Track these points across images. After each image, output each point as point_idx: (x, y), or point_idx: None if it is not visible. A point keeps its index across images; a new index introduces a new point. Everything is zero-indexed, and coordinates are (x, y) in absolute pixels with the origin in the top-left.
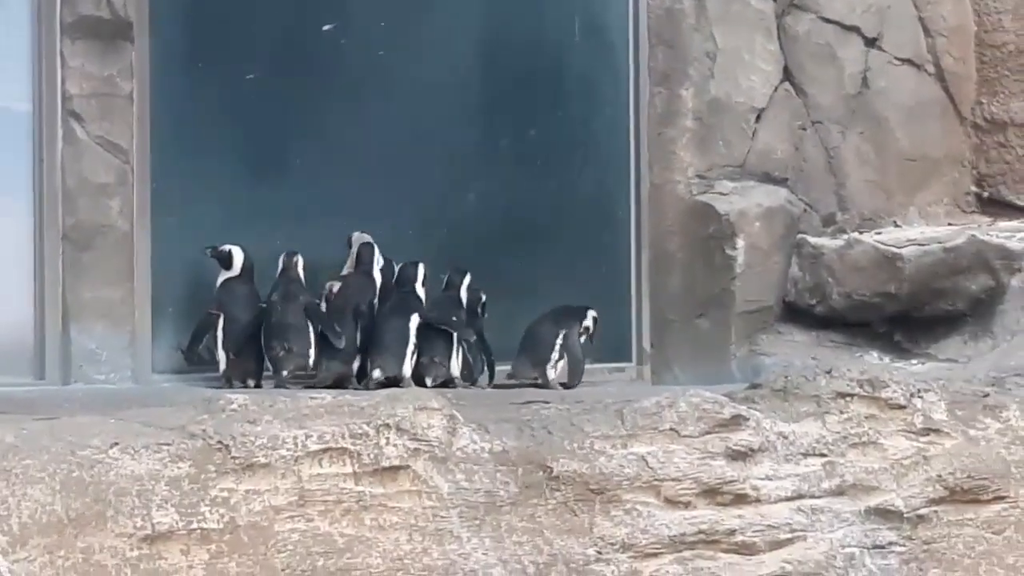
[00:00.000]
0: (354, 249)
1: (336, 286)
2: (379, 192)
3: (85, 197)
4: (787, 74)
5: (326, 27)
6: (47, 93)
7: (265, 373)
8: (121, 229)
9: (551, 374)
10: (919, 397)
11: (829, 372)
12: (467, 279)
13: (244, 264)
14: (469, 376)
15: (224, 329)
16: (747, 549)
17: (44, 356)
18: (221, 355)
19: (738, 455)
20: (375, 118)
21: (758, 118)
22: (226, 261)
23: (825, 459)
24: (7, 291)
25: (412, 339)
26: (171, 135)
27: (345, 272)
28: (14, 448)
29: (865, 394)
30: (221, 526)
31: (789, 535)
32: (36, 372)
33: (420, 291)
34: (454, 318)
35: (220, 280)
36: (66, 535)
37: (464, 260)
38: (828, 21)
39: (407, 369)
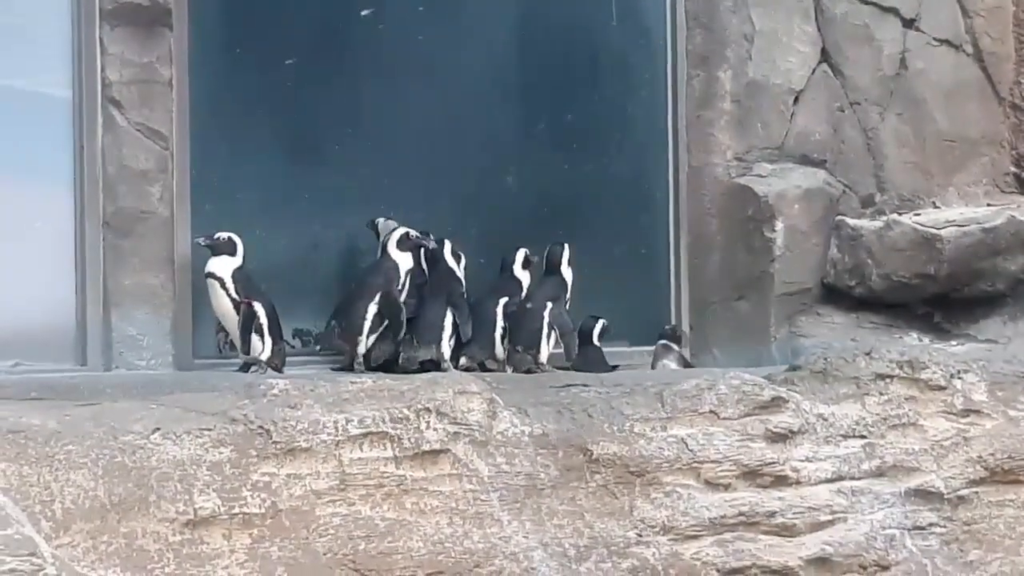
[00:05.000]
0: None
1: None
2: (417, 177)
3: (125, 184)
4: (825, 55)
5: (364, 12)
6: (87, 80)
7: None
8: (161, 215)
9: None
10: (959, 378)
11: (869, 354)
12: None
13: (244, 251)
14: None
15: (267, 317)
16: (787, 531)
17: (86, 342)
18: (267, 342)
19: (778, 437)
20: (413, 103)
21: (796, 100)
22: (229, 248)
23: (865, 440)
24: (49, 278)
25: (500, 322)
26: (210, 121)
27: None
28: (57, 434)
29: (905, 375)
30: (263, 510)
31: (829, 517)
32: (78, 358)
33: (520, 275)
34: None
35: (227, 269)
36: (109, 520)
37: (502, 244)
38: (865, 2)
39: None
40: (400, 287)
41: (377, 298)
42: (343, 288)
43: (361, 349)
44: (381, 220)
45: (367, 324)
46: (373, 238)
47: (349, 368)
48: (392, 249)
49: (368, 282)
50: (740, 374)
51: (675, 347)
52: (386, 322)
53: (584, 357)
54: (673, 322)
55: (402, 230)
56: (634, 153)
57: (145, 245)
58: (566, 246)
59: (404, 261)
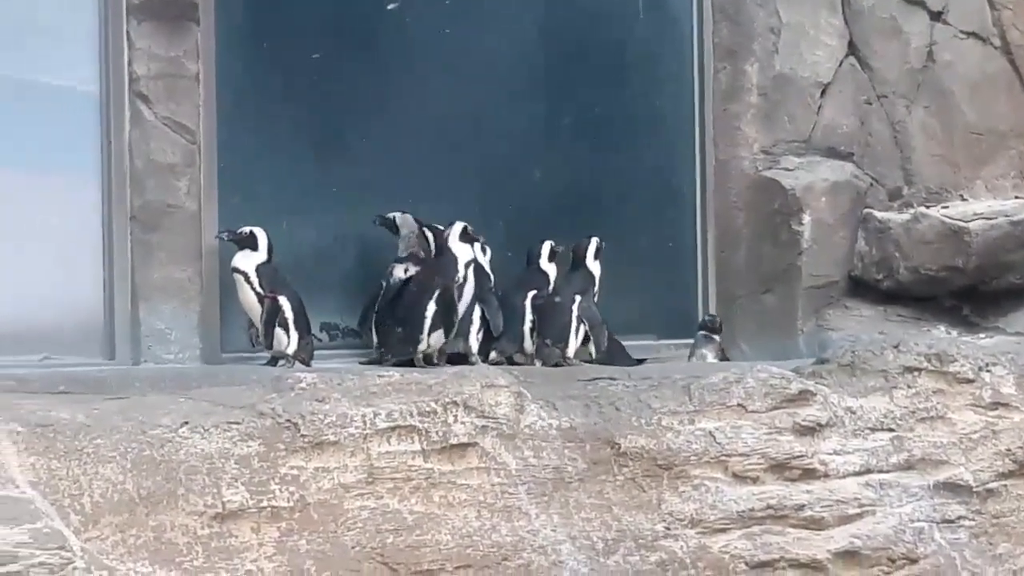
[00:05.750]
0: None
1: (402, 268)
2: (443, 170)
3: (153, 178)
4: (852, 48)
5: (391, 6)
6: (114, 75)
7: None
8: (189, 209)
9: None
10: (987, 371)
11: (896, 346)
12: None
13: (268, 244)
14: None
15: (293, 311)
16: (816, 524)
17: (114, 336)
18: (293, 336)
19: (806, 430)
20: (440, 95)
21: (823, 93)
22: (251, 243)
23: (893, 434)
24: (77, 272)
25: (529, 315)
26: (237, 115)
27: (405, 254)
28: (85, 428)
29: (933, 368)
30: (291, 504)
31: (858, 510)
32: (106, 352)
33: (547, 268)
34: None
35: (251, 263)
36: (137, 514)
37: (528, 237)
38: None
39: (528, 344)
40: (463, 280)
41: (436, 295)
42: (369, 281)
43: (422, 347)
44: (398, 215)
45: (428, 322)
46: (389, 234)
47: (377, 362)
48: (454, 243)
49: (426, 279)
50: (768, 367)
51: (716, 338)
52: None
53: (607, 351)
54: (708, 314)
55: (461, 224)
56: (661, 146)
57: (172, 239)
58: (593, 239)
59: (464, 254)
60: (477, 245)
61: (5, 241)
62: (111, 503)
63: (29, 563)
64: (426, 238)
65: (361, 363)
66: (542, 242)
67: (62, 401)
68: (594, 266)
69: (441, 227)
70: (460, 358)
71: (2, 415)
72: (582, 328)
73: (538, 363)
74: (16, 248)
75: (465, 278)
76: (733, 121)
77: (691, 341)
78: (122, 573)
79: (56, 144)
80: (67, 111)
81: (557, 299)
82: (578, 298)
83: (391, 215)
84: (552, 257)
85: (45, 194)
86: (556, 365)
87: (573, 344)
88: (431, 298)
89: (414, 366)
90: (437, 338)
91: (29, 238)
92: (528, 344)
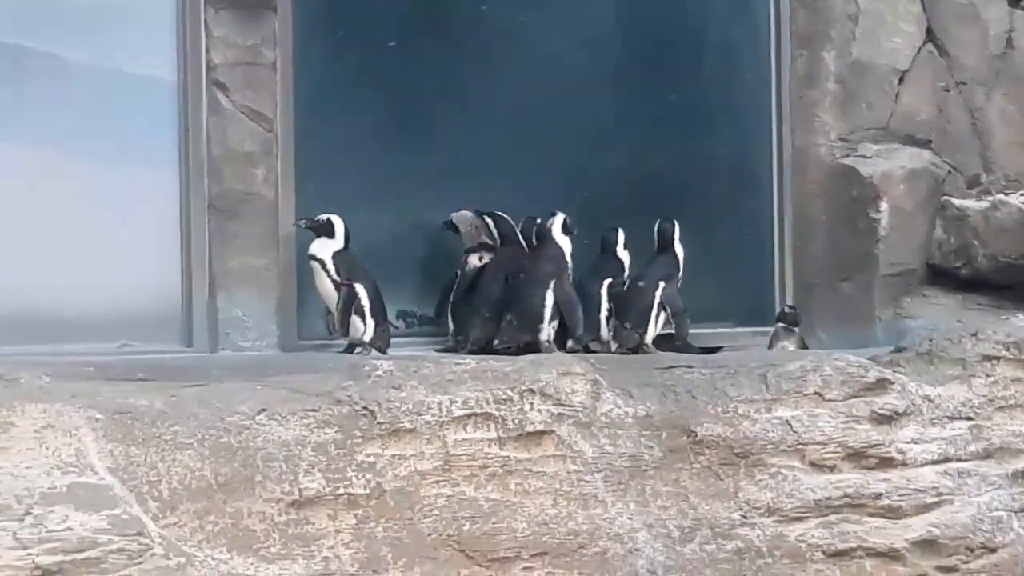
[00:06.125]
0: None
1: (476, 256)
2: (520, 158)
3: (230, 166)
4: (930, 35)
5: None
6: (192, 63)
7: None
8: (266, 197)
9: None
10: None
11: (975, 335)
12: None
13: (345, 232)
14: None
15: (370, 298)
16: (893, 513)
17: (192, 324)
18: (370, 323)
19: (883, 419)
20: (516, 84)
21: (901, 80)
22: (327, 230)
23: (971, 422)
24: (155, 259)
25: (605, 303)
26: (313, 103)
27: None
28: (163, 415)
29: (1012, 357)
30: (368, 491)
31: (935, 499)
32: (184, 339)
33: (622, 255)
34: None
35: (327, 251)
36: (215, 500)
37: (606, 225)
38: None
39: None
40: (570, 272)
41: (552, 285)
42: (444, 269)
43: (543, 337)
44: (454, 215)
45: (547, 311)
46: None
47: (453, 350)
48: (557, 234)
49: (539, 270)
50: (845, 355)
51: (795, 330)
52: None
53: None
54: (788, 303)
55: (561, 216)
56: (738, 134)
57: (250, 227)
58: (676, 223)
59: (567, 245)
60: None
61: (84, 229)
62: (189, 490)
63: (108, 549)
64: (487, 226)
65: (437, 351)
66: (616, 229)
67: (140, 388)
68: (679, 250)
69: (504, 215)
70: (534, 346)
71: (81, 402)
72: (662, 314)
73: (614, 346)
74: (94, 236)
75: (571, 270)
76: (810, 108)
77: (768, 329)
78: (200, 559)
79: (134, 132)
80: (145, 99)
81: (640, 283)
82: (662, 284)
83: (449, 217)
84: (627, 245)
85: (123, 182)
86: (633, 350)
87: (652, 330)
88: (546, 288)
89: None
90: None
91: (107, 226)
92: (604, 332)
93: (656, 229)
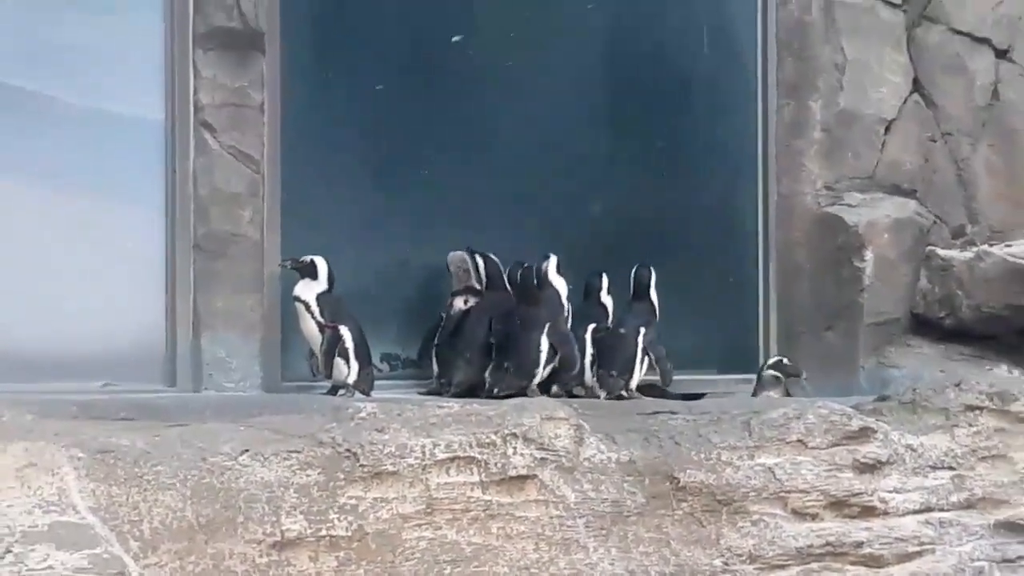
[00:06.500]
0: (460, 267)
1: (461, 300)
2: (506, 200)
3: (217, 206)
4: (916, 85)
5: (455, 38)
6: (179, 103)
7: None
8: (252, 238)
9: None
10: None
11: (958, 385)
12: (606, 282)
13: (329, 274)
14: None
15: (354, 340)
16: (875, 561)
17: (175, 363)
18: (354, 365)
19: (866, 467)
20: (502, 128)
21: (887, 129)
22: (311, 272)
23: (954, 472)
24: (139, 299)
25: (589, 349)
26: (301, 145)
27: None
28: (146, 454)
29: (995, 407)
30: (349, 533)
31: (917, 548)
32: (167, 379)
33: (606, 300)
34: (642, 328)
35: (311, 292)
36: (196, 541)
37: (589, 269)
38: (958, 32)
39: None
40: (567, 314)
41: (547, 329)
42: (429, 312)
43: (536, 381)
44: (451, 254)
45: (543, 357)
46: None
47: (437, 393)
48: (553, 276)
49: (534, 314)
50: (828, 403)
51: (783, 380)
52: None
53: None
54: (782, 355)
55: (555, 257)
56: (723, 180)
57: (235, 267)
58: (652, 269)
59: (563, 287)
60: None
61: (68, 267)
62: (170, 530)
63: None
64: (476, 266)
65: (420, 393)
66: (601, 274)
67: (123, 428)
68: (654, 296)
69: (493, 257)
70: (520, 391)
71: (64, 441)
72: (646, 360)
73: (602, 394)
74: (80, 274)
75: (568, 311)
76: (797, 157)
77: (751, 376)
78: None
79: (121, 171)
80: (132, 139)
81: (622, 331)
82: (643, 330)
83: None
84: (610, 290)
85: (109, 220)
86: (619, 397)
87: (637, 376)
88: (542, 332)
89: (475, 397)
90: (466, 366)
91: (93, 265)
92: (588, 377)
93: (633, 275)
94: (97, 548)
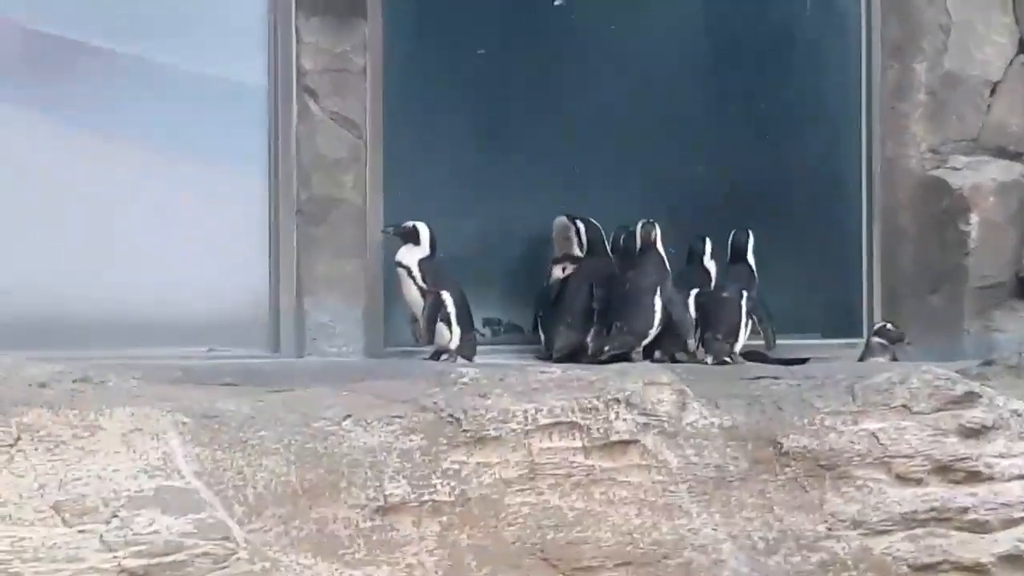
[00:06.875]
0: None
1: (560, 268)
2: (607, 164)
3: (319, 172)
4: (1022, 47)
5: (557, 2)
6: (282, 69)
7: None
8: (354, 203)
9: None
10: None
11: None
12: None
13: (431, 239)
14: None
15: (456, 306)
16: (980, 527)
17: (279, 329)
18: (455, 331)
19: (971, 432)
20: (604, 91)
21: (992, 91)
22: (413, 237)
23: None
24: (243, 265)
25: (693, 313)
26: (402, 110)
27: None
28: (250, 420)
29: None
30: (452, 498)
31: (1023, 513)
32: (271, 345)
33: (709, 265)
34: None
35: (413, 258)
36: (300, 506)
37: (692, 232)
38: None
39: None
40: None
41: (659, 292)
42: (532, 277)
43: (645, 343)
44: (556, 220)
45: (657, 318)
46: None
47: (549, 359)
48: (659, 244)
49: (646, 277)
50: (932, 368)
51: (892, 347)
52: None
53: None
54: (888, 320)
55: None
56: (827, 143)
57: (338, 233)
58: (750, 233)
59: (666, 254)
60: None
61: (173, 233)
62: (274, 495)
63: (193, 553)
64: (577, 231)
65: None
66: (704, 238)
67: (227, 393)
68: (752, 261)
69: (595, 223)
70: (623, 356)
71: (169, 406)
72: (749, 324)
73: (709, 359)
74: (184, 240)
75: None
76: (901, 119)
77: (855, 340)
78: (284, 564)
79: (224, 137)
80: (235, 104)
81: (725, 294)
82: (745, 293)
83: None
84: (714, 254)
85: (213, 186)
86: (725, 362)
87: (742, 340)
88: (654, 295)
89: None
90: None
91: (197, 230)
92: (691, 342)
93: (731, 239)
94: (202, 513)
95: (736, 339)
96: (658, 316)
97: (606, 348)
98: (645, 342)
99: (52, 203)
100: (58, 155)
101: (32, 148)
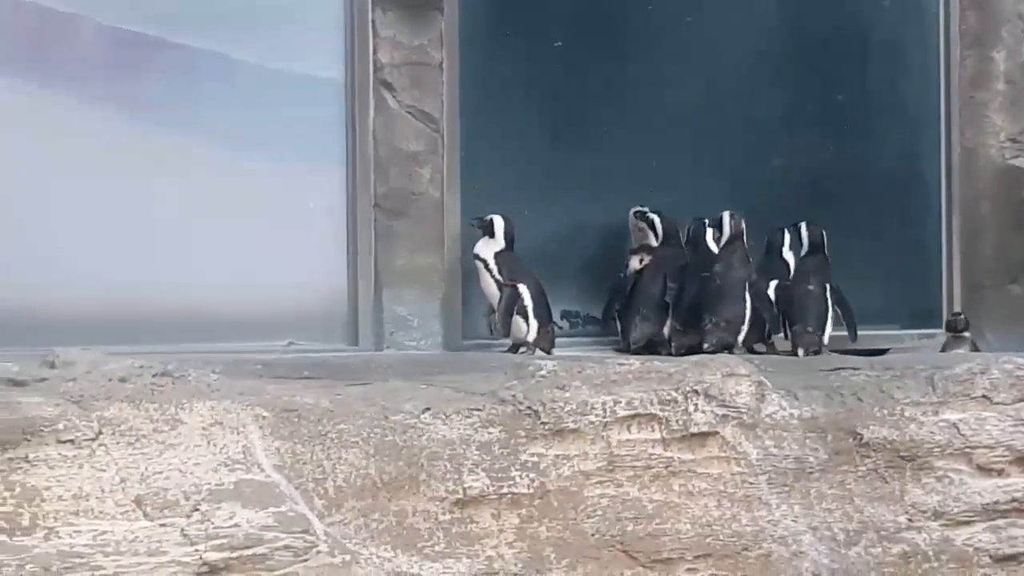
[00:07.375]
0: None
1: (637, 260)
2: (683, 158)
3: (396, 165)
4: None
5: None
6: (359, 63)
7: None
8: (432, 196)
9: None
10: None
11: None
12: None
13: (506, 231)
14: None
15: (533, 299)
16: None
17: (357, 323)
18: (532, 324)
19: None
20: (680, 84)
21: None
22: (489, 230)
23: None
24: (322, 259)
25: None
26: (479, 103)
27: (637, 245)
28: (329, 413)
29: None
30: (531, 491)
31: None
32: (350, 338)
33: (788, 256)
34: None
35: (490, 251)
36: (379, 498)
37: (769, 225)
38: None
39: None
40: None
41: (748, 286)
42: (610, 269)
43: (741, 338)
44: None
45: (748, 313)
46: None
47: (627, 351)
48: (744, 237)
49: (735, 272)
50: (1014, 358)
51: (965, 335)
52: None
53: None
54: (954, 309)
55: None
56: (905, 134)
57: (415, 226)
58: (821, 228)
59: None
60: None
61: (252, 227)
62: (354, 488)
63: (274, 546)
64: (652, 223)
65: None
66: (783, 230)
67: (306, 386)
68: (827, 252)
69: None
70: (699, 348)
71: (248, 400)
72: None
73: (800, 351)
74: (262, 234)
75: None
76: (980, 109)
77: (935, 331)
78: (364, 557)
79: (301, 131)
80: (312, 98)
81: (809, 287)
82: (828, 285)
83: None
84: (793, 246)
85: (290, 180)
86: (816, 352)
87: (828, 331)
88: (744, 289)
89: (654, 354)
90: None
91: (274, 224)
92: (778, 334)
93: (805, 232)
94: (282, 506)
95: (823, 331)
96: (749, 311)
97: (705, 345)
98: (740, 337)
99: (132, 200)
100: (138, 152)
101: (113, 145)
